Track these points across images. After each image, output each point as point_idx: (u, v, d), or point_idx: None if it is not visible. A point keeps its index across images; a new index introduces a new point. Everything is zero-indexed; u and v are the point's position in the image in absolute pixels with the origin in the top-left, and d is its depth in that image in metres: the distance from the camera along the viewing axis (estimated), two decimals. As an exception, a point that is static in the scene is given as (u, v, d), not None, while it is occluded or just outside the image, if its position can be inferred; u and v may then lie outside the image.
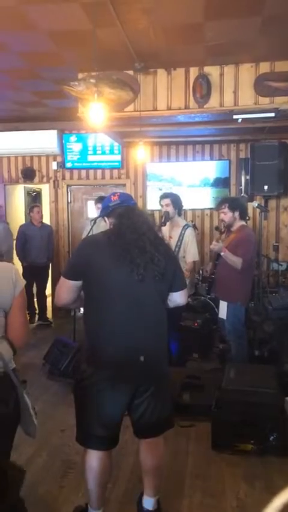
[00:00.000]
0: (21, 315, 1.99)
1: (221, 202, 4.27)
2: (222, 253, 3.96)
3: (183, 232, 4.39)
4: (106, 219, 2.39)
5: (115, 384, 2.10)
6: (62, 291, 2.21)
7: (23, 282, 2.01)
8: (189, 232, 4.43)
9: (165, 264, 2.13)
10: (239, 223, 4.13)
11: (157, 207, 6.34)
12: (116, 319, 2.10)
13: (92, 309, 2.19)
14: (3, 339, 1.89)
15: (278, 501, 0.61)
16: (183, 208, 4.69)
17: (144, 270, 2.07)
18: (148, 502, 2.36)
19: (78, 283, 2.15)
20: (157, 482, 2.36)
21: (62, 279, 2.19)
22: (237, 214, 4.10)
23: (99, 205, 5.35)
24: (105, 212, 2.38)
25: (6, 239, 5.52)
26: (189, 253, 4.37)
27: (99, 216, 4.51)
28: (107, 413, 2.14)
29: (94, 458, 2.21)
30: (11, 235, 5.72)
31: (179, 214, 4.53)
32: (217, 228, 5.01)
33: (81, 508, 2.41)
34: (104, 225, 2.47)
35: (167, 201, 4.40)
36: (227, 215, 4.11)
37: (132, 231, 2.11)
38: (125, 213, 2.21)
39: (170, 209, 4.39)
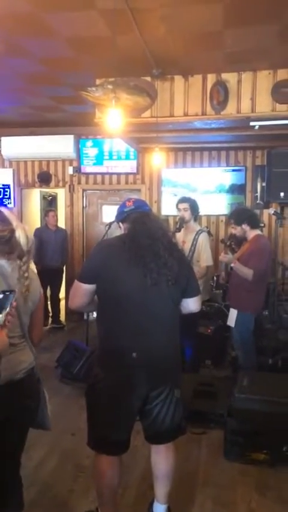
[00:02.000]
0: (42, 312, 2.17)
1: (229, 219, 4.25)
2: (232, 265, 3.93)
3: (196, 237, 4.37)
4: (121, 224, 2.40)
5: (127, 388, 2.11)
6: (76, 294, 2.23)
7: None
8: (203, 237, 4.40)
9: (178, 270, 2.13)
10: (253, 232, 4.06)
11: (172, 212, 6.36)
12: (128, 323, 2.10)
13: (104, 312, 2.20)
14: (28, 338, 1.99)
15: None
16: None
17: (158, 274, 2.07)
18: (159, 508, 2.35)
19: (93, 287, 2.16)
20: (168, 489, 2.35)
21: (77, 283, 2.21)
22: (245, 226, 4.04)
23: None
24: (120, 217, 2.40)
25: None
26: (203, 258, 4.35)
27: (114, 221, 4.53)
28: (118, 417, 2.14)
29: (104, 463, 2.21)
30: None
31: (195, 220, 4.52)
32: (222, 241, 4.99)
33: (91, 513, 2.41)
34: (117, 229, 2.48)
35: (186, 205, 4.39)
36: (236, 230, 4.10)
37: (146, 236, 2.12)
38: (139, 219, 2.23)
39: (188, 214, 4.38)
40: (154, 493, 2.40)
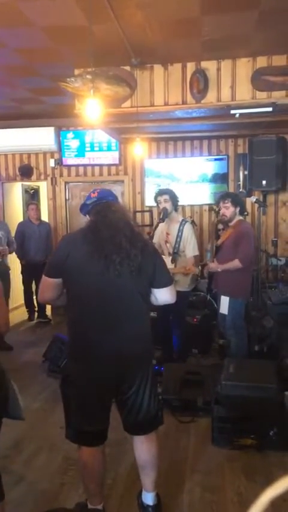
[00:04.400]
0: (4, 301, 2.20)
1: (223, 197, 4.25)
2: (219, 269, 4.05)
3: (181, 227, 4.37)
4: (88, 217, 2.37)
5: (95, 381, 2.12)
6: (43, 288, 2.24)
7: None
8: (188, 227, 4.40)
9: (141, 260, 2.11)
10: (237, 218, 4.17)
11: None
12: (94, 316, 2.10)
13: (71, 306, 2.20)
14: None
15: (265, 498, 0.59)
16: (181, 204, 4.69)
17: (120, 266, 2.06)
18: (147, 497, 2.36)
19: (59, 280, 2.16)
20: (153, 478, 2.35)
21: (44, 277, 2.21)
22: (238, 209, 4.15)
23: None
24: (84, 210, 2.37)
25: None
26: (189, 249, 4.35)
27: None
28: (89, 409, 2.15)
29: (86, 455, 2.23)
30: None
31: (175, 210, 4.52)
32: (212, 209, 5.03)
33: (82, 505, 2.42)
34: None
35: (166, 197, 4.37)
36: (229, 210, 4.13)
37: (107, 228, 2.10)
38: (100, 211, 2.21)
39: (169, 205, 4.36)
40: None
